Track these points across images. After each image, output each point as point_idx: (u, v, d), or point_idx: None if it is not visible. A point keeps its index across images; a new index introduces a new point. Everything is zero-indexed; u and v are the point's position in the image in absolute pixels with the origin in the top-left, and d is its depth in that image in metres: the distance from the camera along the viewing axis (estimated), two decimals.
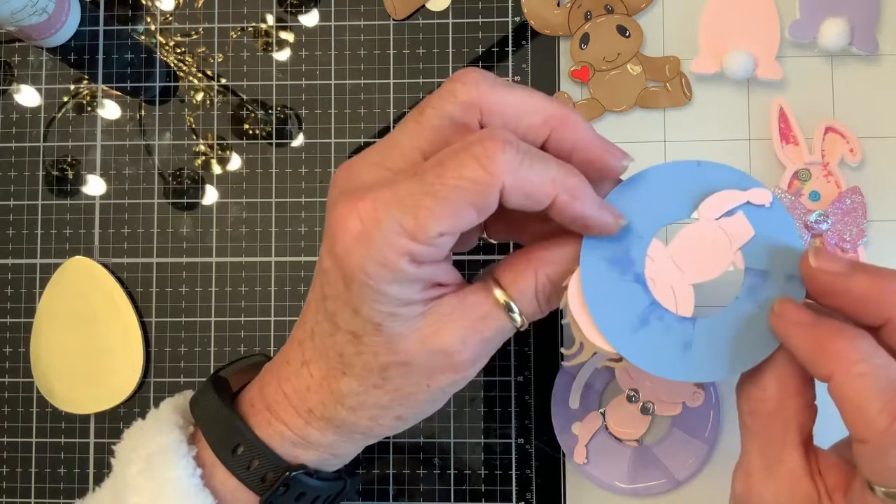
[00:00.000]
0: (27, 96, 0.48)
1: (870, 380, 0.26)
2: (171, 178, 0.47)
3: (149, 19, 0.48)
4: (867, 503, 0.27)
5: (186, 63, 0.47)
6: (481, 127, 0.29)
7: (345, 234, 0.28)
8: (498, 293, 0.31)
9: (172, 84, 0.47)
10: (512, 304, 0.31)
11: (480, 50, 0.46)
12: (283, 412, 0.33)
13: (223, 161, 0.47)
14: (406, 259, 0.28)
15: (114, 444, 0.35)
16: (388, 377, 0.31)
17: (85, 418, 0.46)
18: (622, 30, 0.45)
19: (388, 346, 0.30)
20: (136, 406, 0.46)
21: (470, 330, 0.30)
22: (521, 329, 0.32)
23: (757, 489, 0.30)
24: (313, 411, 0.33)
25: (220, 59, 0.47)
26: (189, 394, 0.37)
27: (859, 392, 0.26)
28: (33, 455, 0.46)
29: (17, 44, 0.48)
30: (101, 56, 0.48)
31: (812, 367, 0.27)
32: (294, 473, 0.33)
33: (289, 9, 0.47)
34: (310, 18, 0.47)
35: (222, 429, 0.33)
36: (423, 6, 0.46)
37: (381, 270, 0.28)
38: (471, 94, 0.29)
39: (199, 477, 0.32)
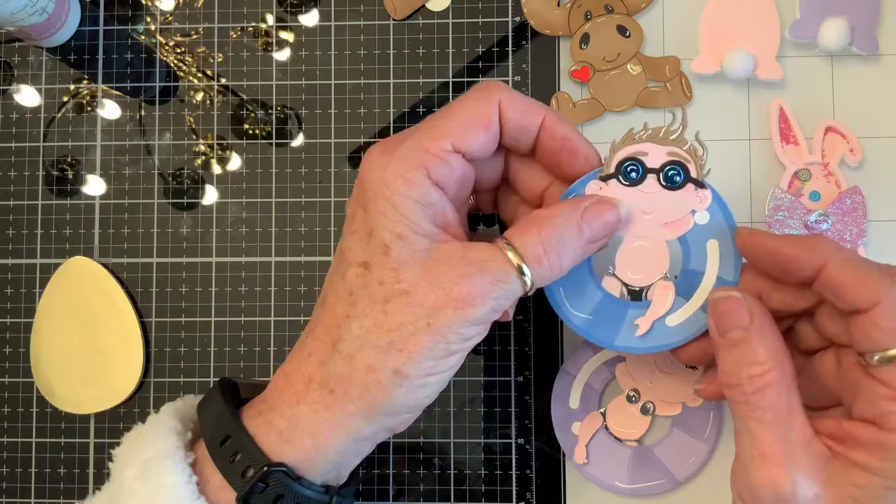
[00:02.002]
0: (27, 96, 0.48)
1: (857, 259, 0.31)
2: (171, 178, 0.47)
3: (149, 19, 0.48)
4: (876, 376, 0.30)
5: (186, 63, 0.47)
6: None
7: (370, 157, 0.32)
8: (501, 242, 0.32)
9: (172, 84, 0.47)
10: (513, 250, 0.32)
11: (480, 50, 0.46)
12: (277, 397, 0.33)
13: (223, 161, 0.47)
14: (422, 171, 0.31)
15: (114, 444, 0.35)
16: (390, 311, 0.31)
17: (85, 418, 0.46)
18: (622, 30, 0.45)
19: (393, 271, 0.31)
20: (135, 406, 0.46)
21: (472, 267, 0.31)
22: (528, 292, 0.32)
23: (783, 468, 0.30)
24: (312, 378, 0.32)
25: (220, 59, 0.47)
26: (190, 398, 0.36)
27: (855, 269, 0.30)
28: (33, 455, 0.46)
29: (17, 44, 0.48)
30: (101, 56, 0.48)
31: (799, 265, 0.32)
32: (273, 469, 0.32)
33: (289, 9, 0.47)
34: (310, 18, 0.47)
35: (214, 420, 0.34)
36: (423, 6, 0.46)
37: (399, 181, 0.31)
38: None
39: (195, 484, 0.32)
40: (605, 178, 0.35)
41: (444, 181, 0.32)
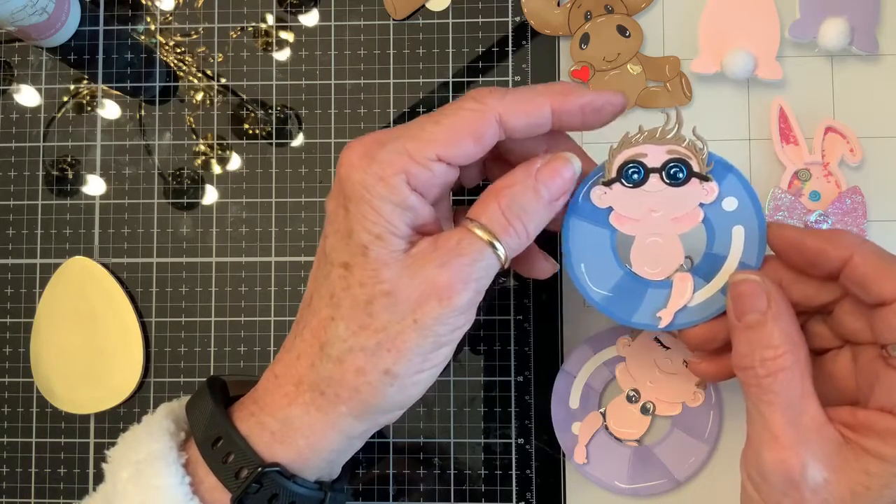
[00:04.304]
0: (27, 96, 0.48)
1: (882, 252, 0.31)
2: (171, 178, 0.47)
3: (149, 19, 0.48)
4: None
5: (186, 63, 0.47)
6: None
7: (350, 156, 0.31)
8: (467, 222, 0.32)
9: (172, 84, 0.47)
10: (480, 226, 0.32)
11: (480, 50, 0.46)
12: (268, 398, 0.33)
13: (223, 161, 0.47)
14: (402, 177, 0.31)
15: (114, 444, 0.35)
16: (374, 312, 0.31)
17: (85, 418, 0.46)
18: (622, 30, 0.45)
19: (373, 273, 0.31)
20: (136, 406, 0.46)
21: (447, 255, 0.31)
22: (504, 265, 0.32)
23: (794, 451, 0.30)
24: (302, 380, 0.32)
25: (220, 59, 0.47)
26: (185, 399, 0.36)
27: (880, 261, 0.31)
28: (33, 455, 0.46)
29: (17, 44, 0.48)
30: (101, 56, 0.48)
31: (826, 257, 0.32)
32: (267, 470, 0.32)
33: (289, 9, 0.47)
34: (310, 18, 0.47)
35: (205, 421, 0.33)
36: (423, 6, 0.46)
37: (379, 184, 0.31)
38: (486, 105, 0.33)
39: (188, 485, 0.32)
40: (607, 183, 0.35)
41: (423, 188, 0.32)
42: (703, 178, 0.35)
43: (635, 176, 0.35)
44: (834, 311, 0.34)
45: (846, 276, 0.32)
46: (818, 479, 0.30)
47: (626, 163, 0.35)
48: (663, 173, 0.35)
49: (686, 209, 0.35)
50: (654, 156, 0.35)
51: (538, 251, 0.39)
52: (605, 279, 0.36)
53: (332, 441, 0.33)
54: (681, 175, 0.35)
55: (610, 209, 0.36)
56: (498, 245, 0.32)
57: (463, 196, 0.45)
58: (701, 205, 0.35)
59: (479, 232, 0.32)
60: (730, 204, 0.35)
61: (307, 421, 0.32)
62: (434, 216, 0.33)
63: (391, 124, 0.46)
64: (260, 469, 0.32)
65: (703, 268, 0.36)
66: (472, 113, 0.32)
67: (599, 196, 0.36)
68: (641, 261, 0.36)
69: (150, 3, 0.48)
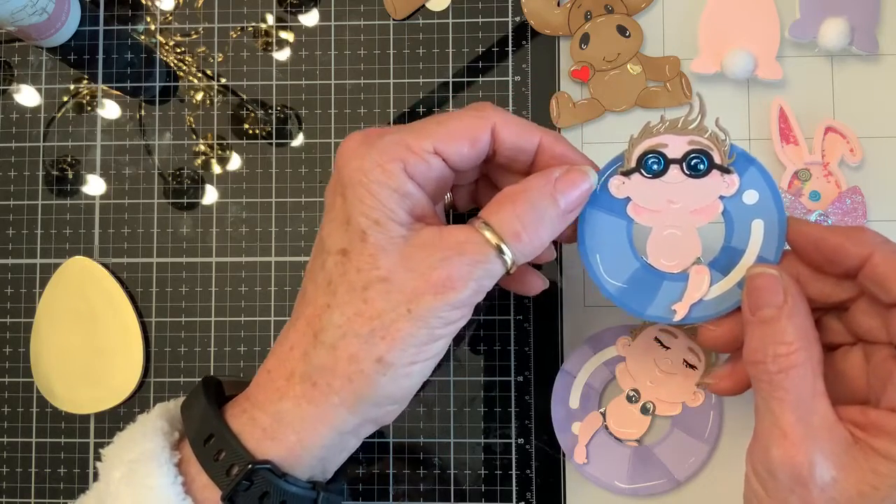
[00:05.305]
0: (27, 96, 0.48)
1: None
2: (171, 178, 0.47)
3: (149, 19, 0.48)
4: None
5: (186, 63, 0.47)
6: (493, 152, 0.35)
7: (349, 144, 0.32)
8: (477, 222, 0.32)
9: (172, 84, 0.47)
10: (490, 228, 0.32)
11: (480, 50, 0.46)
12: (260, 394, 0.33)
13: (223, 161, 0.47)
14: (400, 165, 0.32)
15: (111, 444, 0.35)
16: (369, 299, 0.31)
17: (85, 418, 0.46)
18: (622, 30, 0.45)
19: (371, 258, 0.31)
20: (136, 406, 0.46)
21: (449, 251, 0.31)
22: (510, 270, 0.32)
23: (803, 448, 0.30)
24: (294, 372, 0.32)
25: (220, 59, 0.47)
26: (182, 399, 0.36)
27: None
28: (33, 455, 0.46)
29: (17, 44, 0.48)
30: (101, 56, 0.48)
31: (846, 255, 0.32)
32: (257, 467, 0.32)
33: (289, 9, 0.47)
34: (310, 18, 0.47)
35: (198, 419, 0.33)
36: (423, 6, 0.46)
37: (377, 170, 0.31)
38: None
39: (181, 485, 0.32)
40: (626, 173, 0.35)
41: (420, 178, 0.32)
42: (725, 170, 0.35)
43: (655, 166, 0.35)
44: (850, 309, 0.34)
45: (865, 274, 0.31)
46: (826, 478, 0.30)
47: (646, 153, 0.35)
48: (684, 164, 0.35)
49: (706, 201, 0.35)
50: (675, 146, 0.35)
51: (529, 268, 0.39)
52: (621, 271, 0.36)
53: (323, 436, 0.33)
54: (702, 166, 0.35)
55: (627, 199, 0.35)
56: (506, 249, 0.32)
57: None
58: (721, 197, 0.35)
59: (487, 234, 0.32)
60: (750, 197, 0.35)
61: (298, 414, 0.32)
62: (433, 210, 0.33)
63: (391, 124, 0.46)
64: (250, 466, 0.32)
65: (721, 261, 0.35)
66: (471, 119, 0.33)
67: (617, 186, 0.35)
68: (658, 253, 0.36)
69: (150, 3, 0.48)
